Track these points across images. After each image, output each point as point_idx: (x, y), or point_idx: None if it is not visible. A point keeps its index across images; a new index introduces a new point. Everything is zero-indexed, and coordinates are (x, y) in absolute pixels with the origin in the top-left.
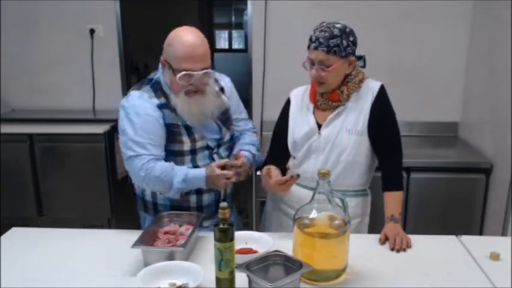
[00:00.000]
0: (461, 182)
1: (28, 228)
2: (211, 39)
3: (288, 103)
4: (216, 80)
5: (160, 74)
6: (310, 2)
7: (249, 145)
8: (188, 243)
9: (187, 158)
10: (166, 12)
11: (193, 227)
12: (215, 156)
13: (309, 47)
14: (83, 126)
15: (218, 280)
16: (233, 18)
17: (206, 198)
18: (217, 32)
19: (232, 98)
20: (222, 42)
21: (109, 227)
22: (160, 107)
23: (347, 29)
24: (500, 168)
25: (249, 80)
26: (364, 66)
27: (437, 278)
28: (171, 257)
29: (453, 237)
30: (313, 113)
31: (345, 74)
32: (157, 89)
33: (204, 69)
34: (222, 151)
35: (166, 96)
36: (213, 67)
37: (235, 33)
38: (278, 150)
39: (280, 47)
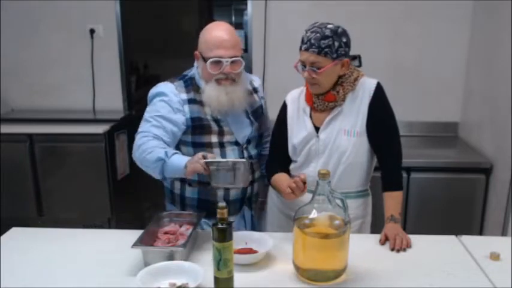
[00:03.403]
0: (461, 182)
1: (28, 228)
2: None
3: (284, 107)
4: (251, 81)
5: (195, 70)
6: (310, 2)
7: None
8: (188, 243)
9: (216, 151)
10: (166, 12)
11: (193, 227)
12: (244, 152)
13: (300, 48)
14: (83, 126)
15: (217, 280)
16: (233, 18)
17: (233, 193)
18: None
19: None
20: None
21: (109, 227)
22: (188, 102)
23: (339, 30)
24: (500, 168)
25: None
26: (360, 66)
27: (437, 278)
28: (171, 257)
29: (453, 237)
30: (310, 116)
31: (338, 75)
32: (190, 84)
33: (233, 57)
34: (251, 148)
35: (198, 90)
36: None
37: None
38: (278, 156)
39: (280, 47)
